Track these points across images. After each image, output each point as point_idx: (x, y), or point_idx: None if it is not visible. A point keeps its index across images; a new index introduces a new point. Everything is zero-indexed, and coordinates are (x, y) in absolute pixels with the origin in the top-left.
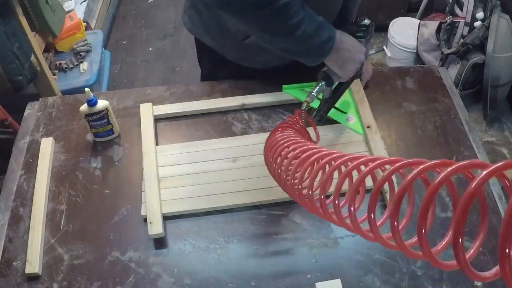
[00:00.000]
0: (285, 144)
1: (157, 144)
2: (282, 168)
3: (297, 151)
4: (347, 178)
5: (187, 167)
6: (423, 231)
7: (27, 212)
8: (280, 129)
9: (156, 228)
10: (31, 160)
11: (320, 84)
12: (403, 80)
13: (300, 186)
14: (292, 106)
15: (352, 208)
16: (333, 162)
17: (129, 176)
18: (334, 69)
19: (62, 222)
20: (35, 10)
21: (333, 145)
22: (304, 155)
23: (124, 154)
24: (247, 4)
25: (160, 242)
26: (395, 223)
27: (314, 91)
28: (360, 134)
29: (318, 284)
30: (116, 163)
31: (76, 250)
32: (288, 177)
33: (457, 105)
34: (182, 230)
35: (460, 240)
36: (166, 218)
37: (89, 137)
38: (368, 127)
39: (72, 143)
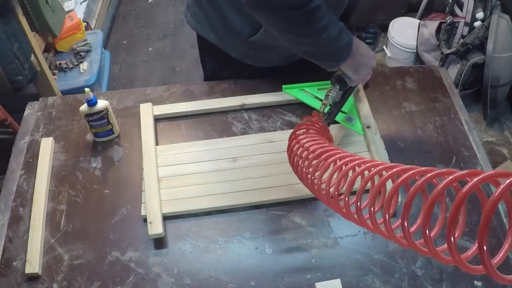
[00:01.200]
0: (315, 149)
1: (157, 144)
2: (316, 175)
3: (331, 158)
4: (382, 188)
5: (187, 167)
6: (452, 239)
7: (27, 212)
8: (304, 129)
9: (156, 228)
10: (31, 160)
11: (336, 87)
12: (403, 80)
13: (336, 193)
14: (292, 106)
15: (387, 217)
16: (367, 172)
17: (129, 176)
18: (349, 73)
19: (62, 222)
20: (35, 10)
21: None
22: (341, 162)
23: (124, 154)
24: (284, 5)
25: (160, 242)
26: (427, 231)
27: (330, 94)
28: (360, 134)
29: (318, 284)
30: (116, 163)
31: (76, 250)
32: (322, 185)
33: (457, 105)
34: (182, 230)
35: (484, 246)
36: (166, 218)
37: (89, 137)
38: (368, 127)
39: (72, 143)
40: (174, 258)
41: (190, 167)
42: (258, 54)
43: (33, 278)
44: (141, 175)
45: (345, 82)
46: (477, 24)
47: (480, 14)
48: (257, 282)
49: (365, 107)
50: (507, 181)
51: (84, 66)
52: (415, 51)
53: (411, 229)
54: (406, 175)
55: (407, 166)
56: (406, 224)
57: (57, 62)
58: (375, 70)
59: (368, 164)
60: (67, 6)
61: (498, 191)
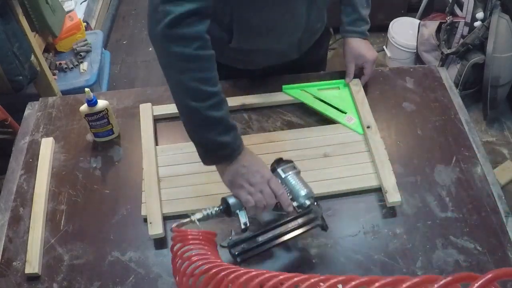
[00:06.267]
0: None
1: (157, 144)
2: None
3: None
4: None
5: (187, 167)
6: None
7: (27, 212)
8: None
9: (156, 228)
10: (31, 160)
11: (220, 207)
12: (403, 80)
13: None
14: (292, 106)
15: None
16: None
17: (129, 176)
18: (224, 181)
19: (62, 222)
20: (35, 10)
21: (333, 145)
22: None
23: (124, 154)
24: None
25: (160, 242)
26: None
27: (208, 210)
28: (360, 134)
29: None
30: (116, 163)
31: (76, 250)
32: None
33: (457, 105)
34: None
35: None
36: (166, 218)
37: (89, 137)
38: (368, 127)
39: (72, 143)
40: None
41: (190, 167)
42: (244, 58)
43: (33, 278)
44: (141, 175)
45: (230, 208)
46: (477, 24)
47: (480, 14)
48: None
49: (365, 107)
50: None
51: (84, 66)
52: (415, 51)
53: None
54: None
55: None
56: None
57: (57, 62)
58: (376, 70)
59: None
60: (67, 6)
61: None
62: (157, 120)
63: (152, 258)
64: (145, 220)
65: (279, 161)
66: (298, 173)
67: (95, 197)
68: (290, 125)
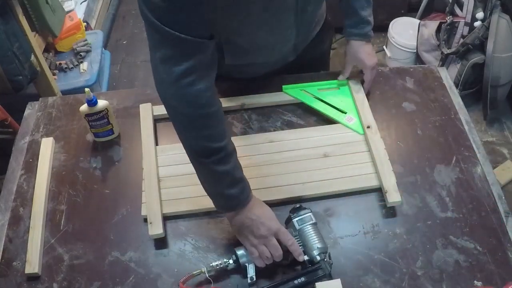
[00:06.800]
0: None
1: (157, 144)
2: None
3: None
4: None
5: (187, 167)
6: None
7: (27, 212)
8: None
9: (156, 228)
10: (31, 160)
11: (226, 261)
12: (403, 80)
13: None
14: (292, 106)
15: None
16: None
17: (129, 176)
18: (232, 227)
19: (62, 222)
20: (35, 10)
21: (333, 145)
22: None
23: (124, 154)
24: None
25: (160, 242)
26: None
27: (224, 262)
28: (360, 134)
29: (318, 284)
30: (116, 163)
31: (76, 250)
32: None
33: (457, 105)
34: (182, 230)
35: None
36: (166, 218)
37: (89, 137)
38: (368, 127)
39: (72, 143)
40: (174, 258)
41: (190, 167)
42: (243, 70)
43: (33, 278)
44: (141, 175)
45: (238, 259)
46: (477, 24)
47: (480, 14)
48: (257, 281)
49: (365, 107)
50: None
51: (84, 66)
52: (415, 51)
53: None
54: None
55: None
56: None
57: (57, 62)
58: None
59: None
60: (67, 6)
61: None
62: (157, 120)
63: (152, 258)
64: (145, 220)
65: (295, 210)
66: (314, 225)
67: (95, 197)
68: (290, 125)
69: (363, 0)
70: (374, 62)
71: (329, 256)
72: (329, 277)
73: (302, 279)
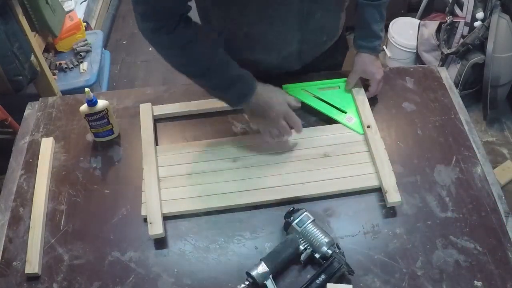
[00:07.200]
0: None
1: (157, 144)
2: None
3: None
4: None
5: (187, 167)
6: None
7: (27, 212)
8: None
9: (156, 228)
10: (31, 160)
11: (242, 285)
12: (403, 80)
13: None
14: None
15: None
16: None
17: (129, 176)
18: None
19: (62, 222)
20: (35, 10)
21: (333, 145)
22: None
23: (124, 154)
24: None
25: (160, 242)
26: None
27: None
28: (360, 134)
29: (329, 285)
30: (116, 163)
31: (76, 250)
32: None
33: (457, 105)
34: (182, 230)
35: None
36: (166, 218)
37: (89, 137)
38: (368, 127)
39: (72, 143)
40: (174, 258)
41: (190, 167)
42: (245, 68)
43: (33, 278)
44: (141, 175)
45: (255, 279)
46: (477, 24)
47: (480, 14)
48: None
49: (365, 107)
50: None
51: (84, 66)
52: (415, 51)
53: None
54: None
55: None
56: None
57: (57, 62)
58: None
59: None
60: (67, 6)
61: None
62: (157, 120)
63: (152, 258)
64: (145, 220)
65: (290, 213)
66: (313, 222)
67: (95, 197)
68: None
69: (377, 14)
70: (381, 75)
71: (338, 246)
72: (347, 266)
73: (322, 277)
